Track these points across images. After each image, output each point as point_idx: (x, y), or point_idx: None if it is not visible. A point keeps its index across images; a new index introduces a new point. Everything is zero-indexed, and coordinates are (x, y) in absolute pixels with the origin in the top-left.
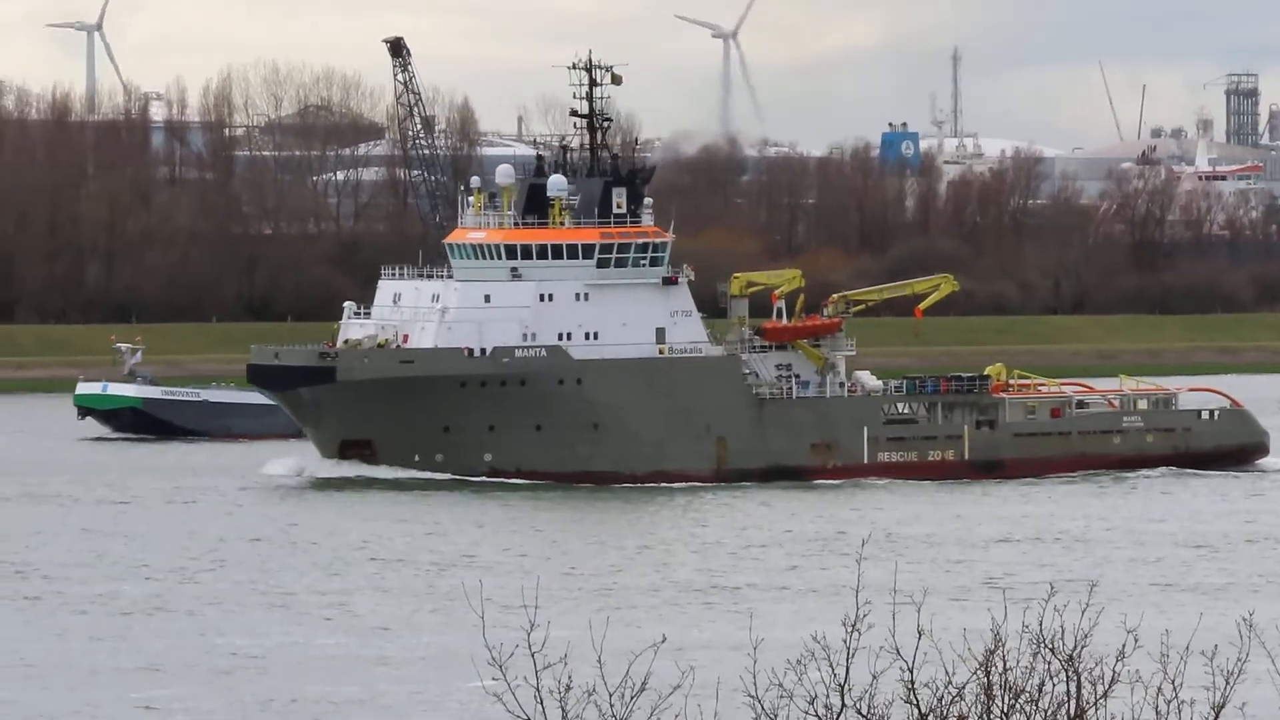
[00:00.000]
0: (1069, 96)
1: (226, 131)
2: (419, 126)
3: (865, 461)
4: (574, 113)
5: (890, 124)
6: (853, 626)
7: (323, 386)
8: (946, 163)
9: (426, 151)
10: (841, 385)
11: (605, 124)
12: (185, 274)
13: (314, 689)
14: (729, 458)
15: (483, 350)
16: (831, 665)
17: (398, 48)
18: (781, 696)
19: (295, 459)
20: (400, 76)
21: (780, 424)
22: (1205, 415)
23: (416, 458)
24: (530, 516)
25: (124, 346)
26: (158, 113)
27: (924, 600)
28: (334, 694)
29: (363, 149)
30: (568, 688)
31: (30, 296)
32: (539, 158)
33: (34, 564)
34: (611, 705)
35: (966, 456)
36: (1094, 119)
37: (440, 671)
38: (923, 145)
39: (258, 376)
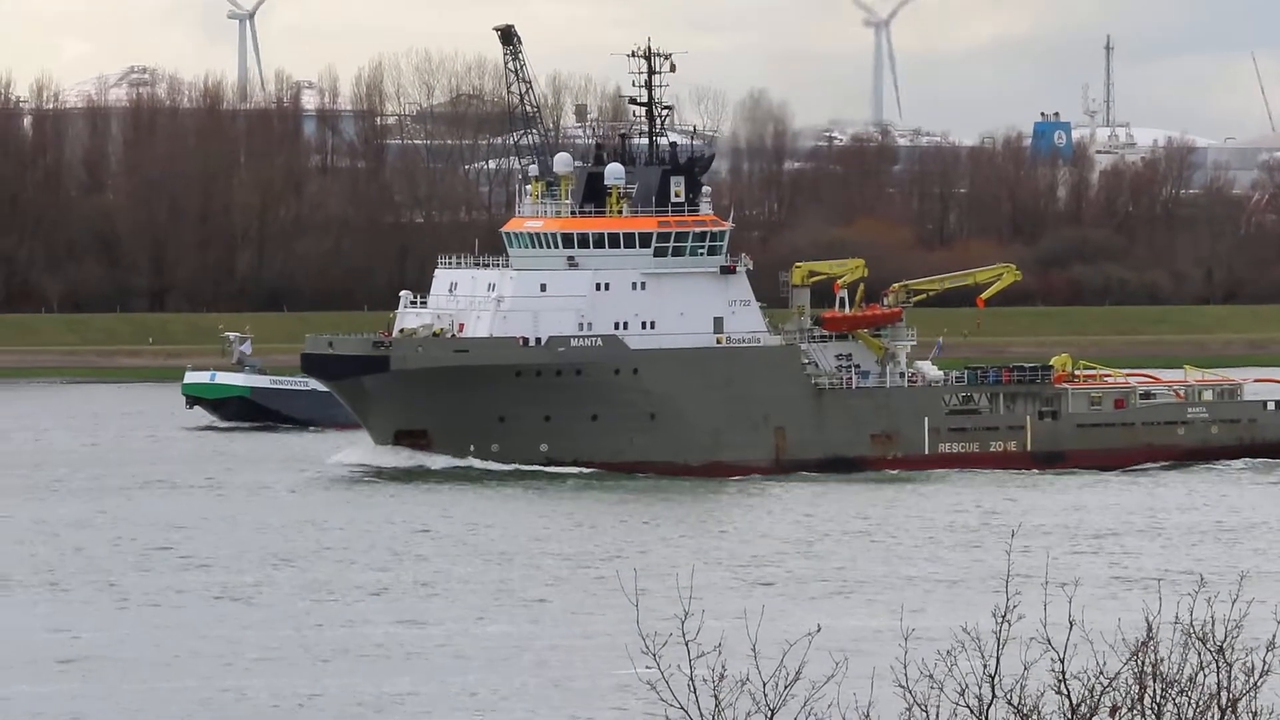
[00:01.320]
0: (1220, 87)
1: (378, 120)
2: (529, 114)
3: (926, 452)
4: (632, 100)
5: (1042, 114)
6: (1003, 617)
7: (377, 376)
8: (1099, 152)
9: (537, 139)
10: (902, 375)
11: (664, 112)
12: (337, 262)
13: (461, 678)
14: (787, 448)
15: (538, 340)
16: (982, 656)
17: (508, 35)
18: (932, 687)
19: (348, 451)
20: (511, 65)
21: (840, 414)
22: (1271, 406)
23: (472, 448)
24: (671, 508)
25: (233, 335)
26: (309, 101)
27: (1075, 590)
28: (482, 681)
29: (514, 138)
30: (721, 676)
31: (182, 285)
32: (598, 146)
33: (189, 554)
34: (765, 695)
35: (1028, 447)
36: (1246, 109)
37: (594, 659)
38: (1075, 135)
39: (312, 366)
